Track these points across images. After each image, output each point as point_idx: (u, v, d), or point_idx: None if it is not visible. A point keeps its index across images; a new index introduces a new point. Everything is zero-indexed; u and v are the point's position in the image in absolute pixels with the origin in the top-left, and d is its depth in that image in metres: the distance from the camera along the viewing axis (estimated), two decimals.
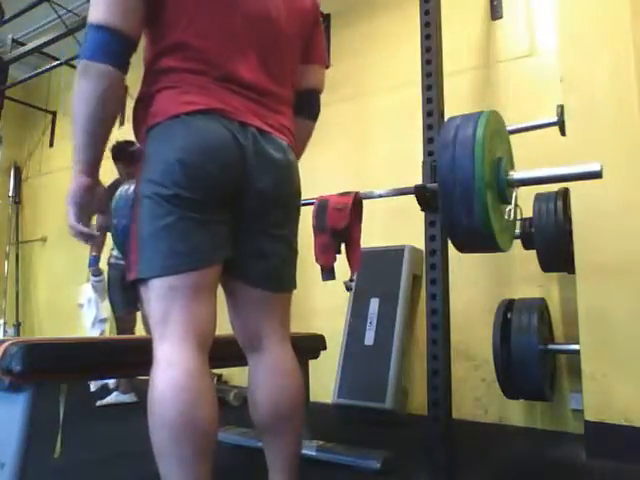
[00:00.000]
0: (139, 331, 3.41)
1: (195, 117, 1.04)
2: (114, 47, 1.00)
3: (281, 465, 1.16)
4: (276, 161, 1.13)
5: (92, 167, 1.06)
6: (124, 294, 3.08)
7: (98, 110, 1.01)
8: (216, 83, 1.07)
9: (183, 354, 0.98)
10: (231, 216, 1.10)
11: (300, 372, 1.21)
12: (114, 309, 3.19)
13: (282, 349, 1.19)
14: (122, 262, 2.98)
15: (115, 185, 3.27)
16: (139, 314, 3.14)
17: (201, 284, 1.03)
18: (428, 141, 1.76)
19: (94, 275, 3.30)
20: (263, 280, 1.16)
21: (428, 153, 1.75)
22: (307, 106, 1.32)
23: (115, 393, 3.16)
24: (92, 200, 1.08)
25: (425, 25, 1.83)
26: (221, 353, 1.27)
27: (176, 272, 1.00)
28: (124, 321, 3.15)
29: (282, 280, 1.21)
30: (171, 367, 0.96)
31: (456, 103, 1.97)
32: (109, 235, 3.30)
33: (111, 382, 3.35)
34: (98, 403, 3.09)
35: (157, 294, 1.01)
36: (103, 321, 3.42)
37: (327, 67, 1.36)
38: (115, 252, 3.12)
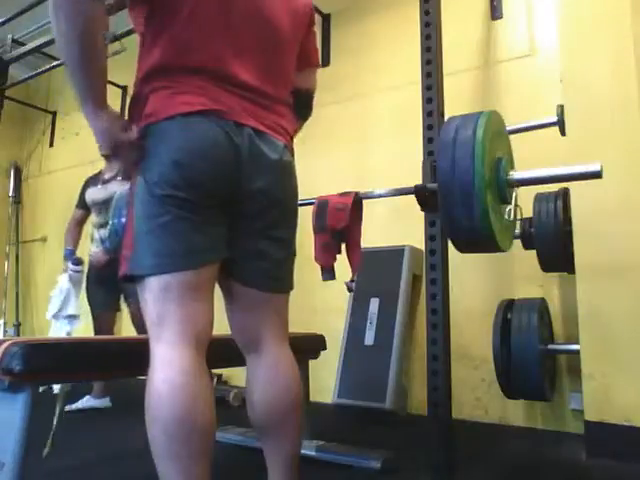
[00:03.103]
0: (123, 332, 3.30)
1: (191, 118, 1.03)
2: None
3: (280, 466, 1.15)
4: (272, 162, 1.13)
5: (101, 99, 1.02)
6: (103, 292, 2.93)
7: (85, 41, 0.94)
8: (212, 82, 1.07)
9: (180, 354, 0.98)
10: (227, 217, 1.10)
11: (298, 373, 1.21)
12: (92, 308, 3.01)
13: (280, 350, 1.19)
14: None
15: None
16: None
17: (197, 283, 1.03)
18: (428, 141, 1.76)
19: (74, 264, 3.04)
20: (260, 281, 1.16)
21: (428, 153, 1.75)
22: (303, 107, 1.33)
23: (87, 397, 2.94)
24: (120, 131, 1.05)
25: (425, 25, 1.83)
26: (221, 353, 1.27)
27: (170, 270, 1.00)
28: (102, 321, 2.97)
29: (279, 281, 1.21)
30: (168, 366, 0.96)
31: (456, 103, 1.97)
32: (85, 229, 3.16)
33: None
34: (67, 408, 2.71)
35: (153, 294, 1.01)
36: (72, 318, 3.03)
37: (319, 66, 1.39)
38: (94, 248, 2.96)
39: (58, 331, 3.03)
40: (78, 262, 3.05)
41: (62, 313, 3.02)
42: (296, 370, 1.21)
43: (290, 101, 1.26)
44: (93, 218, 3.05)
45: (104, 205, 2.93)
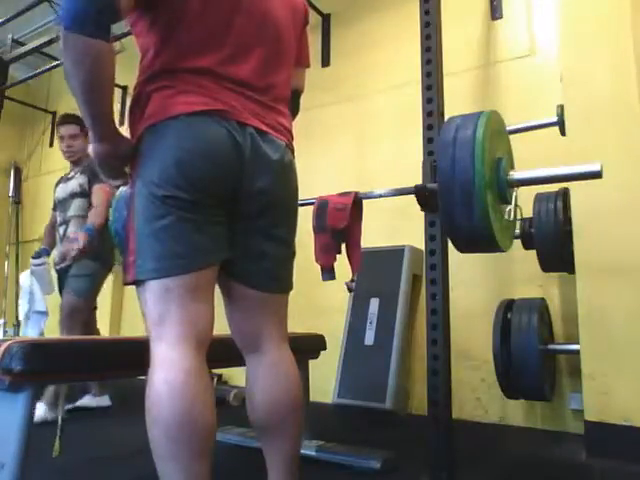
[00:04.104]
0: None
1: (193, 118, 1.03)
2: (95, 16, 0.93)
3: (280, 466, 1.15)
4: (273, 162, 1.13)
5: (105, 131, 1.06)
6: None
7: (91, 81, 0.98)
8: (215, 82, 1.07)
9: (180, 354, 0.98)
10: (228, 216, 1.10)
11: (298, 373, 1.21)
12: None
13: (280, 350, 1.19)
14: (62, 265, 2.69)
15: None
16: None
17: (198, 285, 1.03)
18: (428, 141, 1.76)
19: (33, 257, 2.89)
20: (261, 281, 1.16)
21: (428, 153, 1.75)
22: (293, 106, 1.33)
23: (87, 396, 2.88)
24: (115, 161, 1.10)
25: (425, 25, 1.83)
26: (221, 353, 1.27)
27: (172, 274, 1.00)
28: None
29: (280, 281, 1.21)
30: (168, 367, 0.96)
31: (456, 103, 1.97)
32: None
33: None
34: (67, 407, 2.65)
35: (154, 295, 1.01)
36: (42, 314, 2.92)
37: (309, 66, 1.39)
38: (56, 252, 2.82)
39: (31, 331, 2.92)
40: (36, 255, 2.91)
41: (32, 310, 2.91)
42: (296, 370, 1.21)
43: (289, 99, 1.27)
44: (57, 216, 2.90)
45: (62, 202, 2.84)
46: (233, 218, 1.11)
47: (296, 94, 1.35)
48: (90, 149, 1.10)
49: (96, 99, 1.00)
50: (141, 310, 1.05)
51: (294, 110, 1.35)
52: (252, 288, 1.15)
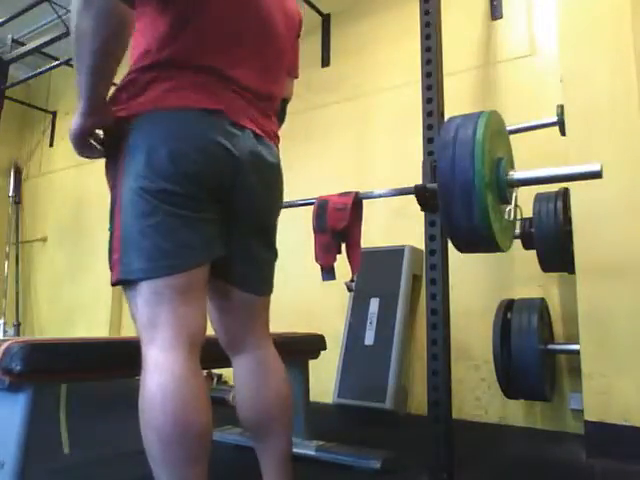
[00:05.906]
0: None
1: (190, 112, 1.02)
2: None
3: (273, 466, 1.15)
4: (269, 164, 1.15)
5: (96, 106, 1.00)
6: None
7: (106, 47, 0.92)
8: (218, 82, 1.07)
9: (172, 358, 0.96)
10: (221, 216, 1.08)
11: (285, 371, 1.21)
12: None
13: (266, 350, 1.19)
14: None
15: None
16: None
17: (190, 285, 1.00)
18: (428, 141, 1.76)
19: None
20: (248, 283, 1.16)
21: (428, 153, 1.75)
22: (279, 114, 1.33)
23: None
24: (89, 140, 1.05)
25: (425, 25, 1.83)
26: (221, 353, 1.27)
27: (162, 274, 0.97)
28: None
29: (265, 283, 1.22)
30: (160, 371, 0.95)
31: (456, 103, 1.97)
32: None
33: None
34: None
35: (144, 297, 0.98)
36: None
37: (297, 77, 1.39)
38: None
39: None
40: None
41: None
42: (283, 368, 1.21)
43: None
44: None
45: None
46: (225, 218, 1.10)
47: (284, 102, 1.35)
48: (74, 120, 1.02)
49: (105, 66, 0.96)
50: (130, 312, 1.03)
51: (281, 117, 1.36)
52: (239, 289, 1.15)
